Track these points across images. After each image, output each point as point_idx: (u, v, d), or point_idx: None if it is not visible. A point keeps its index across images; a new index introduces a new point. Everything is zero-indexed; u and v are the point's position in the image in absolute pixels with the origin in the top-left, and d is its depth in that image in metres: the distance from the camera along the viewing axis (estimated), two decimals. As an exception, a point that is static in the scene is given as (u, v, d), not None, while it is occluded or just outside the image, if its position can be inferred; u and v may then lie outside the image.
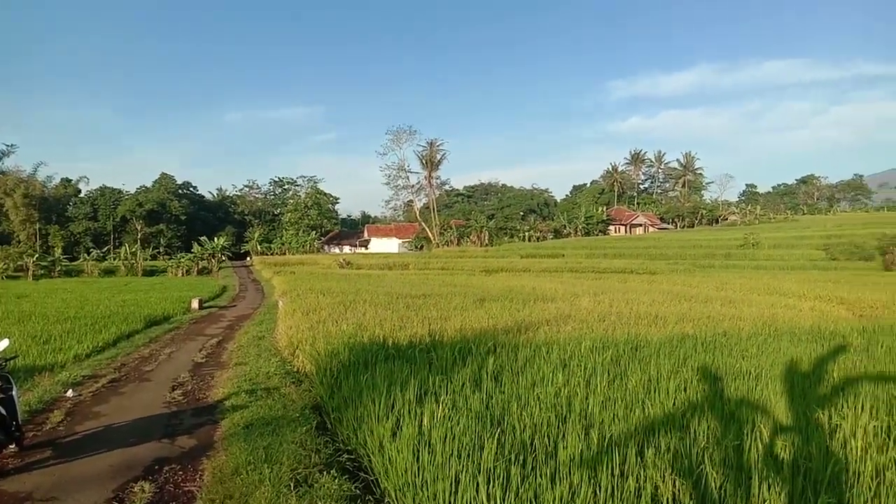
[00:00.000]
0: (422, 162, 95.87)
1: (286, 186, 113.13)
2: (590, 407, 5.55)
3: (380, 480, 4.88)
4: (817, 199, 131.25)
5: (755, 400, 5.68)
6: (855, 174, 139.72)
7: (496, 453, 4.39)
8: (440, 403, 5.56)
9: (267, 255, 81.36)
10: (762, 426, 4.65)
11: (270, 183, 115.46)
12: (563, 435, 4.74)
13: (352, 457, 5.75)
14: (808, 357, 8.09)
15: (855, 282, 28.95)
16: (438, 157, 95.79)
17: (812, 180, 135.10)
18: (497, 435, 4.70)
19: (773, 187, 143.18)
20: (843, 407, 5.31)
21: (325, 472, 5.24)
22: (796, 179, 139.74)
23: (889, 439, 4.51)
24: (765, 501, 3.67)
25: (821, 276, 35.81)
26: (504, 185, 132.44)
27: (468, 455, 4.38)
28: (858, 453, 4.28)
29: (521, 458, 4.34)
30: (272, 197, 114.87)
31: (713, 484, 3.94)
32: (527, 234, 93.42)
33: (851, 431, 4.61)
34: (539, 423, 5.12)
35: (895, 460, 4.12)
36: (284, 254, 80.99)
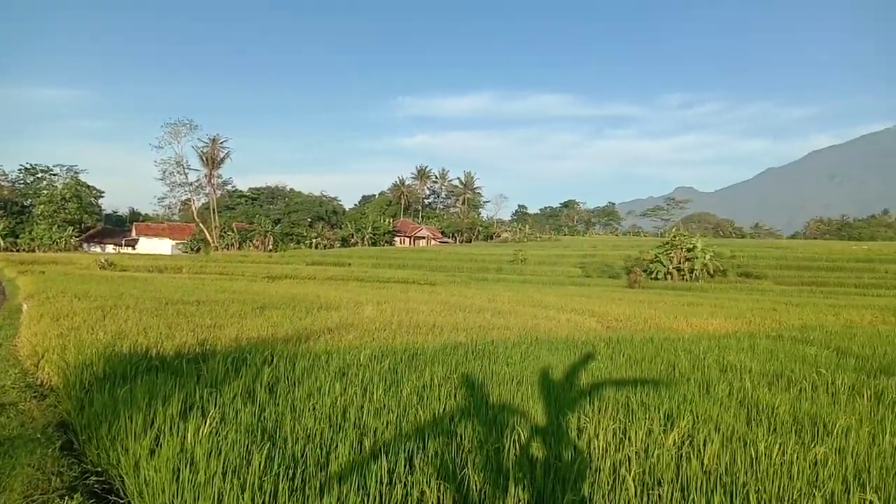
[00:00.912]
0: (202, 159, 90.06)
1: (40, 175, 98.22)
2: (365, 415, 5.54)
3: (133, 503, 4.37)
4: (577, 221, 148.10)
5: (516, 405, 6.08)
6: (609, 202, 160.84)
7: (264, 468, 4.18)
8: (207, 417, 5.16)
9: (12, 251, 70.76)
10: (520, 429, 4.98)
11: (20, 170, 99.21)
12: (336, 445, 4.66)
13: (101, 479, 5.10)
14: (563, 364, 8.87)
15: (604, 297, 32.79)
16: (221, 155, 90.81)
17: (573, 205, 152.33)
18: (267, 449, 4.50)
19: (541, 209, 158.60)
20: (589, 410, 5.88)
21: (67, 497, 4.59)
22: (560, 203, 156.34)
23: (625, 438, 5.08)
24: (519, 501, 3.91)
25: (577, 291, 39.91)
26: (292, 190, 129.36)
27: (234, 471, 4.12)
28: (600, 452, 4.75)
29: (291, 471, 4.18)
30: (22, 186, 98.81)
31: (474, 487, 4.13)
32: (314, 241, 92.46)
33: (595, 432, 5.11)
34: (312, 434, 4.99)
35: (628, 457, 4.65)
36: (34, 251, 71.49)
